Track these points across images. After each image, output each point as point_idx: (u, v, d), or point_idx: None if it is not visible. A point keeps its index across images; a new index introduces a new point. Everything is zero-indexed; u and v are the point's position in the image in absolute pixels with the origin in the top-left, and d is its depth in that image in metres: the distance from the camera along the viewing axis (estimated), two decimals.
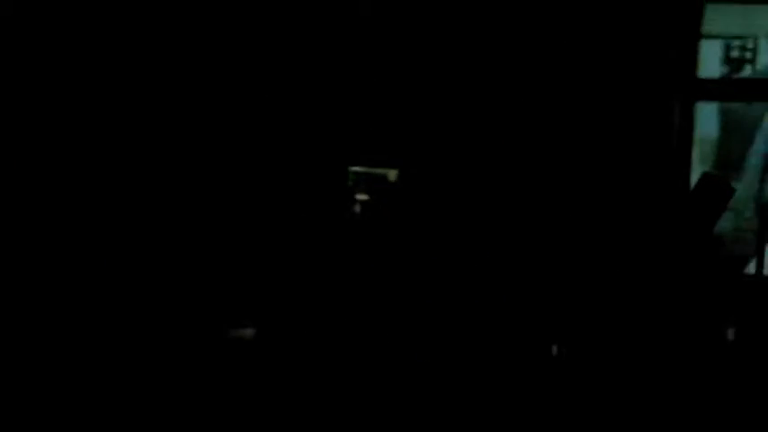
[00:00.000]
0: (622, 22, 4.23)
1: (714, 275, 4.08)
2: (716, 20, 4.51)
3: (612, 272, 4.11)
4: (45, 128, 3.90)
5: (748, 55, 4.65)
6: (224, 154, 4.05)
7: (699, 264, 4.09)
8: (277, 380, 3.74)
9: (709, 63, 4.56)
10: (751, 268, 4.23)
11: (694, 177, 4.40)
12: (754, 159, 4.64)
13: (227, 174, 4.04)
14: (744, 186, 4.52)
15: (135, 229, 3.93)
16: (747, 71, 4.64)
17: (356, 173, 4.17)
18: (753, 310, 4.07)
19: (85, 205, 3.92)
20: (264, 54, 4.09)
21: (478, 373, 3.90)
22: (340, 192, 4.12)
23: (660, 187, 4.34)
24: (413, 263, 4.07)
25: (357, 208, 4.16)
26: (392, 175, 4.18)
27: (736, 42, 4.63)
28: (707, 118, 4.63)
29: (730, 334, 4.06)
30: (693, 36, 4.44)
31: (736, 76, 4.65)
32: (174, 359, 3.74)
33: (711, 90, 4.54)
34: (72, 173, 3.89)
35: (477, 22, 4.20)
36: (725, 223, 4.12)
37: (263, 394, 3.68)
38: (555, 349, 3.95)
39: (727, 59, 4.65)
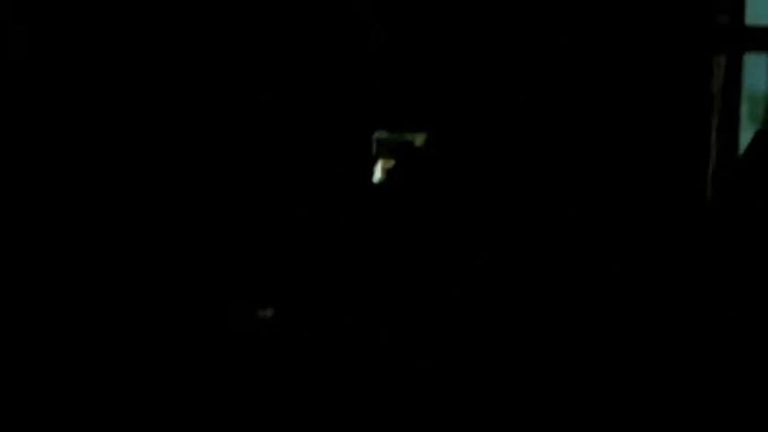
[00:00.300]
0: None
1: None
2: None
3: (659, 232, 3.83)
4: (45, 128, 3.71)
5: None
6: (238, 120, 3.73)
7: (753, 226, 3.81)
8: (295, 360, 3.50)
9: (758, 9, 4.23)
10: None
11: (744, 136, 4.10)
12: None
13: (242, 141, 3.73)
14: None
15: (150, 201, 3.66)
16: None
17: (380, 138, 3.84)
18: None
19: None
20: (284, 13, 3.75)
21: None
22: (362, 159, 3.79)
23: (706, 146, 4.02)
24: (440, 236, 3.77)
25: (381, 176, 3.84)
26: (419, 139, 3.85)
27: None
28: (756, 70, 4.29)
29: None
30: None
31: None
32: (192, 338, 3.53)
33: (760, 39, 4.20)
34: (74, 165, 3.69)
35: None
36: None
37: (282, 375, 3.46)
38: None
39: None
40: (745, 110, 4.15)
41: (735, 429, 3.43)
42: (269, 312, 3.59)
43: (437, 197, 3.80)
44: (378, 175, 3.82)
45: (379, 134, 3.82)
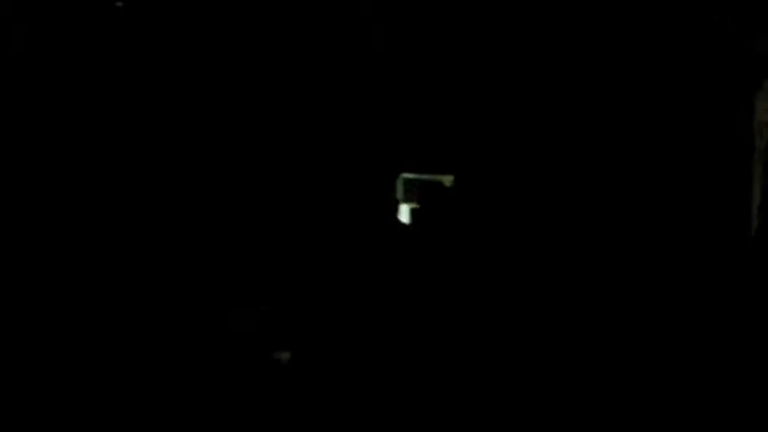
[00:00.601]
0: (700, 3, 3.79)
1: None
2: None
3: (703, 270, 3.65)
4: (45, 128, 3.71)
5: None
6: (260, 158, 3.72)
7: None
8: (312, 403, 3.37)
9: None
10: None
11: None
12: None
13: (263, 181, 3.70)
14: None
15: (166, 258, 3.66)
16: None
17: (407, 180, 3.78)
18: None
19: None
20: (309, 51, 3.77)
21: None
22: (386, 202, 3.72)
23: (749, 189, 3.85)
24: (468, 278, 3.64)
25: (405, 218, 3.76)
26: (447, 180, 3.78)
27: None
28: None
29: None
30: None
31: None
32: (208, 380, 3.46)
33: None
34: (75, 170, 3.70)
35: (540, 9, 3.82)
36: None
37: (298, 416, 3.34)
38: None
39: None
40: None
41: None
42: (285, 356, 3.49)
43: (467, 238, 3.70)
44: (404, 216, 3.75)
45: (406, 175, 3.76)
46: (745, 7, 3.79)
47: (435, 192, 3.73)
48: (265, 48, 3.78)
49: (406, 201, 3.76)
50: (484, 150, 3.79)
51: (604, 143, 3.78)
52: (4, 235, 3.57)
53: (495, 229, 3.72)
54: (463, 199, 3.74)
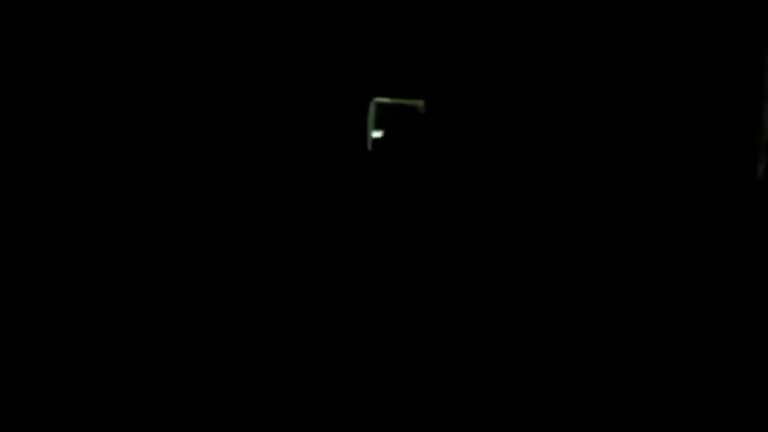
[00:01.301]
0: None
1: None
2: None
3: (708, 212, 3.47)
4: (45, 128, 3.71)
5: None
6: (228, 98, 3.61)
7: None
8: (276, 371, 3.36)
9: None
10: None
11: None
12: None
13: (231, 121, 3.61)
14: None
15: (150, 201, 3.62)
16: None
17: (380, 104, 3.63)
18: None
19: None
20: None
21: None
22: (358, 125, 3.59)
23: (758, 128, 3.61)
24: (434, 216, 3.51)
25: (378, 142, 3.63)
26: (421, 105, 3.62)
27: None
28: None
29: None
30: None
31: None
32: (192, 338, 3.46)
33: None
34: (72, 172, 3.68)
35: None
36: None
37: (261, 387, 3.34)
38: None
39: None
40: None
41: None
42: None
43: (440, 164, 3.55)
44: (374, 140, 3.62)
45: (380, 99, 3.62)
46: None
47: (409, 117, 3.58)
48: None
49: (377, 127, 3.62)
50: (461, 73, 3.61)
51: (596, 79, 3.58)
52: (4, 235, 3.58)
53: (470, 160, 3.57)
54: (436, 125, 3.58)
